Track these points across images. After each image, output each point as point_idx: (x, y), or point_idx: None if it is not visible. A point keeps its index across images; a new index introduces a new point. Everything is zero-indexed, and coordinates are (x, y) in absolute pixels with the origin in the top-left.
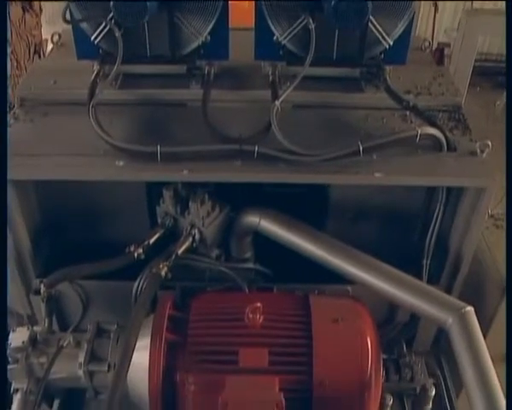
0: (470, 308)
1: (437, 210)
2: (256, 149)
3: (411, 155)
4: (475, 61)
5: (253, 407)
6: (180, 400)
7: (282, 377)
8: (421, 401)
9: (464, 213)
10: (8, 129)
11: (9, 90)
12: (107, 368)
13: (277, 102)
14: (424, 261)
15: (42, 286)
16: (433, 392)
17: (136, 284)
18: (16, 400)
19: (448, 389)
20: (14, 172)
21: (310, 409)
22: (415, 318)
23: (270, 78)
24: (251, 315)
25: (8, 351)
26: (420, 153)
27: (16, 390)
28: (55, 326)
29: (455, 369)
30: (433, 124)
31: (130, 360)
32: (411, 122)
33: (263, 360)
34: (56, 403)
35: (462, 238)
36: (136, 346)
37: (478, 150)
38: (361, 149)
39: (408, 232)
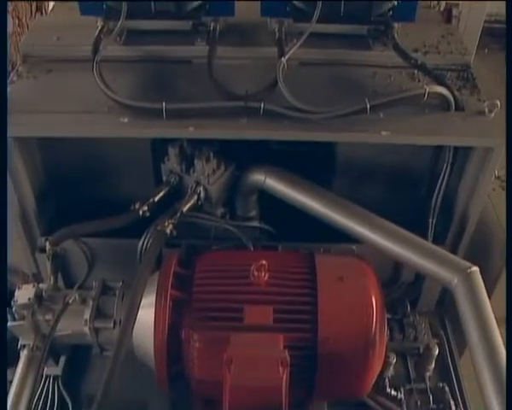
0: (476, 269)
1: (443, 170)
2: (262, 106)
3: (419, 113)
4: (484, 22)
5: (258, 364)
6: (185, 356)
7: (286, 334)
8: (424, 361)
9: (471, 173)
10: (12, 86)
11: (11, 49)
12: (112, 325)
13: (284, 59)
14: (430, 221)
15: (47, 244)
16: (437, 352)
17: (142, 241)
18: (23, 356)
19: (451, 350)
20: (17, 130)
21: (314, 366)
22: (419, 278)
23: (277, 34)
24: (256, 273)
25: (14, 308)
26: (427, 112)
27: (23, 347)
28: (61, 284)
29: (458, 330)
30: (442, 83)
31: (136, 317)
32: (419, 81)
33: (267, 318)
34: (62, 360)
35: (469, 199)
36: (142, 303)
37: (486, 110)
38: (368, 106)
39: (414, 192)
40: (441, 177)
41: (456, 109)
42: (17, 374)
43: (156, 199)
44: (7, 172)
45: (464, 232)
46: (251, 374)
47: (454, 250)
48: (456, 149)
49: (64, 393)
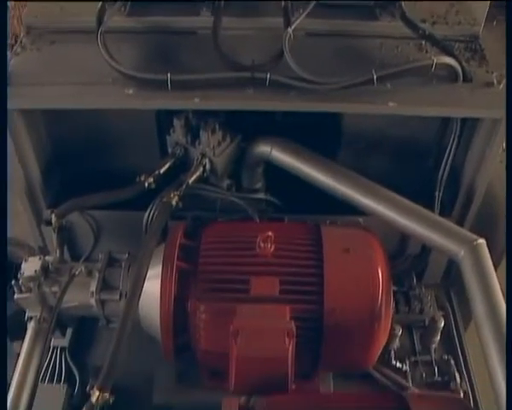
0: (482, 241)
1: (451, 142)
2: (268, 76)
3: (426, 85)
4: None
5: (264, 335)
6: (191, 328)
7: (292, 305)
8: (429, 333)
9: (479, 145)
10: (16, 58)
11: (14, 21)
12: (118, 297)
13: (290, 30)
14: (436, 193)
15: (53, 216)
16: (442, 324)
17: (147, 213)
18: (30, 328)
19: (456, 322)
20: (21, 102)
21: (320, 338)
22: (425, 250)
23: (283, 4)
24: (262, 244)
25: (20, 281)
26: (435, 83)
27: (30, 318)
28: (67, 257)
29: (464, 302)
30: (450, 53)
31: (142, 289)
32: (427, 52)
33: (274, 289)
34: (69, 332)
35: (476, 171)
36: (148, 275)
37: (494, 81)
38: (375, 77)
39: (421, 164)
40: (448, 149)
41: (464, 81)
42: (24, 346)
43: (162, 171)
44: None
45: (471, 205)
46: (257, 345)
47: (460, 223)
48: (464, 120)
49: (71, 364)
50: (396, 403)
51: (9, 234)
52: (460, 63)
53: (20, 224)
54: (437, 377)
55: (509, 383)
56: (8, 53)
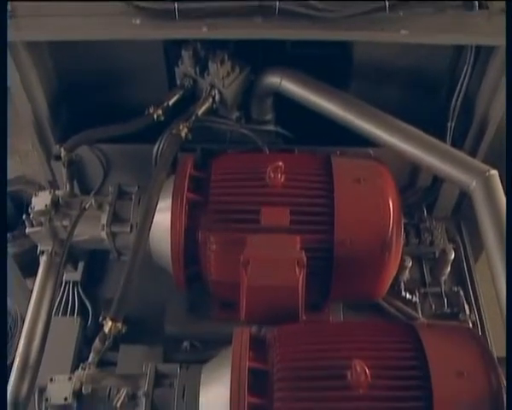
0: (495, 172)
1: (464, 71)
2: (277, 4)
3: (440, 12)
4: None
5: (275, 265)
6: (202, 259)
7: (303, 235)
8: (439, 265)
9: (493, 74)
10: None
11: None
12: (129, 229)
13: None
14: (449, 124)
15: (62, 150)
16: (452, 256)
17: (157, 146)
18: (42, 261)
19: (467, 255)
20: (27, 34)
21: (331, 268)
22: (436, 183)
23: None
24: (272, 174)
25: (31, 215)
26: (449, 10)
27: (42, 253)
28: (77, 192)
29: (474, 236)
30: None
31: (152, 220)
32: None
33: (284, 219)
34: (81, 265)
35: (490, 101)
36: (158, 207)
37: None
38: (387, 4)
39: (433, 95)
40: (461, 79)
41: (479, 8)
42: (37, 279)
43: (170, 103)
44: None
45: (484, 136)
46: (267, 275)
47: (472, 155)
48: (478, 49)
49: (84, 297)
50: (405, 332)
51: (19, 174)
52: None
53: (29, 164)
54: (446, 309)
55: None
56: None
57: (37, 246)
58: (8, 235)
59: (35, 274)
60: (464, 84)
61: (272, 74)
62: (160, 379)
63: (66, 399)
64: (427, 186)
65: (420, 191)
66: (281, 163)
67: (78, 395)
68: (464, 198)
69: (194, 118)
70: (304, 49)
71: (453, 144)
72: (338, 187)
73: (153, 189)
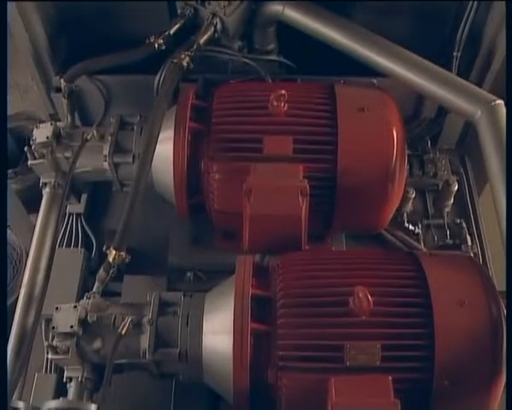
0: (500, 101)
1: (471, 1)
2: None
3: None
4: None
5: (278, 194)
6: (205, 188)
7: (306, 164)
8: (442, 196)
9: (501, 3)
10: None
11: None
12: (131, 159)
13: None
14: (455, 54)
15: (62, 81)
16: (456, 188)
17: (158, 76)
18: (45, 193)
19: (470, 187)
20: None
21: (334, 198)
22: (441, 114)
23: None
24: (275, 103)
25: (33, 147)
26: None
27: (44, 185)
28: (78, 124)
29: (478, 168)
30: None
31: (154, 149)
32: None
33: (287, 148)
34: (84, 197)
35: (497, 32)
36: (160, 137)
37: None
38: None
39: (439, 24)
40: (468, 8)
41: None
42: (40, 212)
43: (172, 32)
44: None
45: (490, 68)
46: (270, 203)
47: (479, 86)
48: None
49: (87, 229)
50: (407, 260)
51: (20, 109)
52: None
53: (29, 99)
54: (448, 240)
55: None
56: None
57: (39, 181)
58: (11, 171)
59: (37, 210)
60: (471, 14)
61: (274, 2)
62: (164, 307)
63: (72, 327)
64: (431, 118)
65: (424, 123)
66: (284, 91)
67: (83, 322)
68: (468, 131)
69: (195, 47)
70: None
71: (459, 76)
72: (341, 116)
73: (155, 118)
